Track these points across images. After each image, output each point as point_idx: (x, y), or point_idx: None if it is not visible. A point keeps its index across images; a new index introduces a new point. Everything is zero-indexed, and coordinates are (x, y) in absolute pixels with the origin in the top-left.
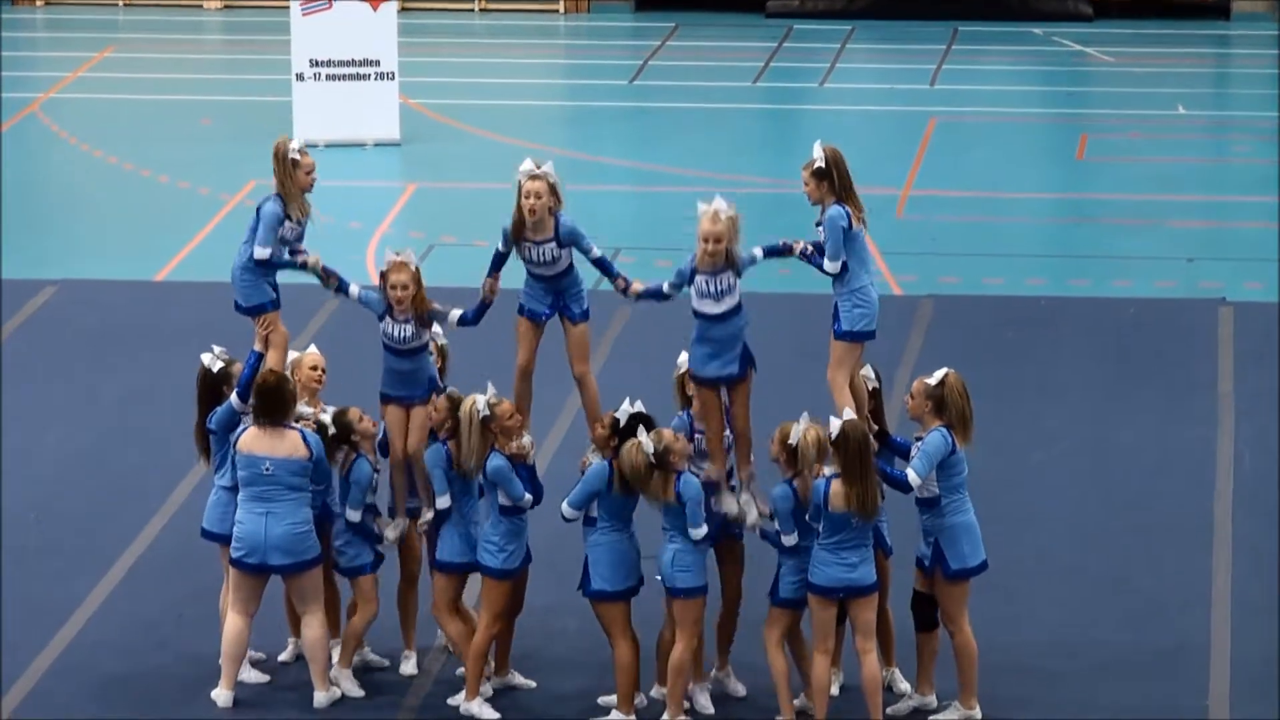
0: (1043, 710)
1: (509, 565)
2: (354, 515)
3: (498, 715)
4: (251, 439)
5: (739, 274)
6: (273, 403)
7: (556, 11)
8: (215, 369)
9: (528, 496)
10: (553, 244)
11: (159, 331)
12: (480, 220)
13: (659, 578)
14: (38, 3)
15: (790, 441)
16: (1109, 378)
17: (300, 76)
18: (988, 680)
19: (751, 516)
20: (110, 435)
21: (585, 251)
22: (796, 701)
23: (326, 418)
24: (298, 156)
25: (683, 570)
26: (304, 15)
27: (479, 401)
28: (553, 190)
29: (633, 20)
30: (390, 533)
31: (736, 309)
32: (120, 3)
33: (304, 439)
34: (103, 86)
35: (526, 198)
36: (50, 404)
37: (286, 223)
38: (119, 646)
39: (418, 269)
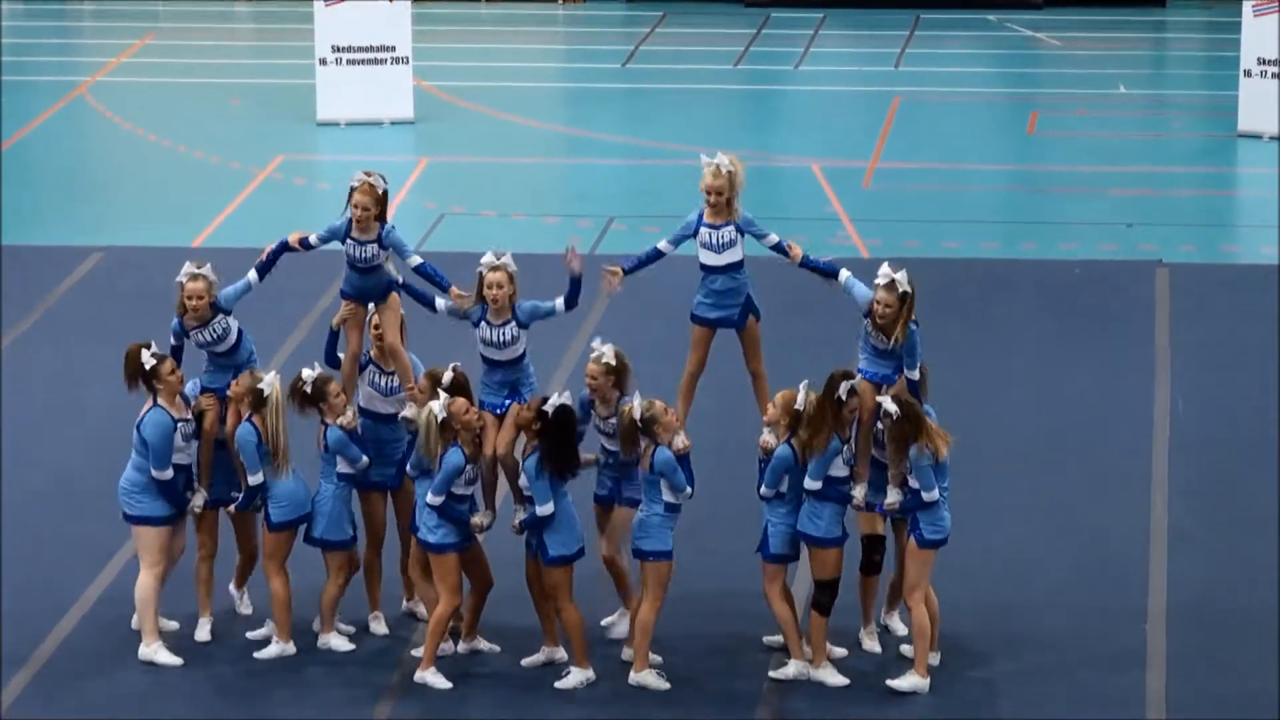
0: (998, 638)
1: (446, 540)
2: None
3: (449, 684)
4: None
5: (741, 230)
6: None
7: (556, 1)
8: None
9: (434, 498)
10: (511, 325)
11: None
12: (487, 192)
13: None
14: None
15: (797, 407)
16: (1057, 332)
17: (323, 61)
18: (948, 614)
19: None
20: None
21: (543, 313)
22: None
23: (267, 385)
24: (183, 280)
25: (644, 536)
26: (326, 6)
27: (434, 407)
28: (511, 279)
29: (625, 9)
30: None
31: (739, 264)
32: None
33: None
34: (144, 71)
35: (489, 288)
36: (97, 360)
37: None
38: None
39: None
